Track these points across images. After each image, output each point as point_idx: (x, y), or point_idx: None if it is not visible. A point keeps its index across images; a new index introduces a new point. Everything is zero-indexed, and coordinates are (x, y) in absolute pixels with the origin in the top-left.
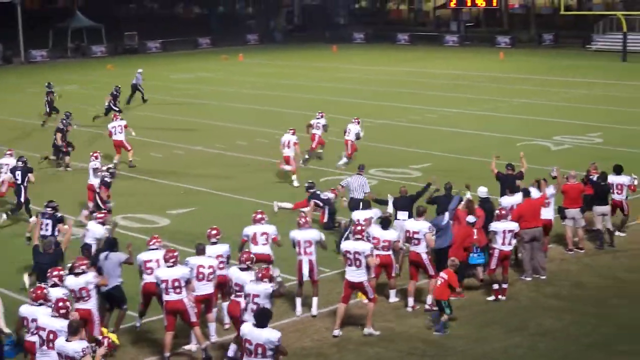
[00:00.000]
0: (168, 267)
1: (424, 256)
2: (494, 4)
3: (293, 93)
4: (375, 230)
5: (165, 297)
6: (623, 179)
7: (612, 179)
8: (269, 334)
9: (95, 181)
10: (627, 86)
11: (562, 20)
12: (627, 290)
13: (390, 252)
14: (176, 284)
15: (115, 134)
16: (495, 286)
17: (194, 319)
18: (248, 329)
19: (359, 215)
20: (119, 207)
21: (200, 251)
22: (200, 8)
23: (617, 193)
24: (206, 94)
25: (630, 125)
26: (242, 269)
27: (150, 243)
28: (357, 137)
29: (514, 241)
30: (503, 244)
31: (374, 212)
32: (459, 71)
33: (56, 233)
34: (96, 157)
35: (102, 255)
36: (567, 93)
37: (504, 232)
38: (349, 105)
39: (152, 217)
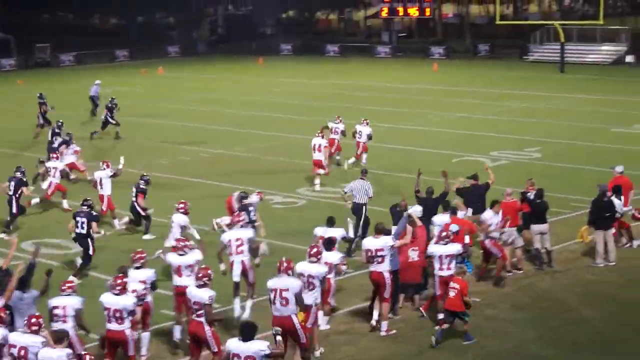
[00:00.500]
0: (114, 294)
1: (387, 275)
2: (427, 14)
3: (217, 108)
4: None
5: (108, 326)
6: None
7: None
8: (258, 346)
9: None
10: (566, 98)
11: (498, 30)
12: (567, 312)
13: (331, 275)
14: (117, 314)
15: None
16: (440, 315)
17: (132, 352)
18: (234, 344)
19: (322, 232)
20: (30, 232)
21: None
22: (118, 18)
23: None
24: (123, 110)
25: (568, 140)
26: (199, 286)
27: (63, 288)
28: (369, 137)
29: (453, 265)
30: (441, 269)
31: (339, 232)
32: (391, 84)
33: (92, 231)
34: (107, 166)
35: (15, 295)
36: (504, 106)
37: (440, 257)
38: (276, 121)
39: (66, 242)
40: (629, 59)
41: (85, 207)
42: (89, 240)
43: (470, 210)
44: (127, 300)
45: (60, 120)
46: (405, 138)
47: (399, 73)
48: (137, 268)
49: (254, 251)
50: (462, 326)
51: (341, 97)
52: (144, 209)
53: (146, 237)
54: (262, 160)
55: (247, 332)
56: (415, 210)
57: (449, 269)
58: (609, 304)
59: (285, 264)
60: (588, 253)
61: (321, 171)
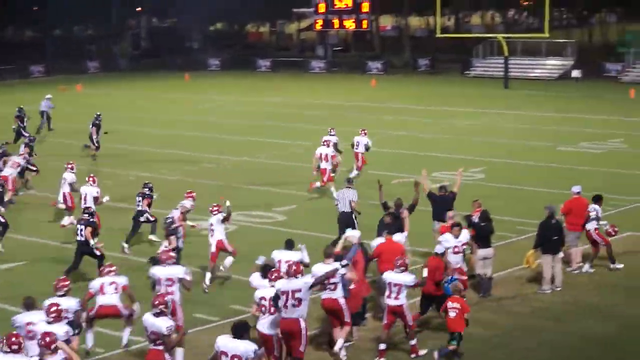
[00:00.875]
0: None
1: (342, 301)
2: (364, 26)
3: (139, 128)
4: (255, 279)
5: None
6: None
7: (594, 206)
8: (247, 346)
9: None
10: (510, 115)
11: (439, 44)
12: (511, 342)
13: None
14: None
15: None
16: (382, 346)
17: None
18: (224, 341)
19: (281, 256)
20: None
21: (29, 306)
22: (33, 31)
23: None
24: (34, 130)
25: (513, 159)
26: (156, 314)
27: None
28: (367, 148)
29: (402, 295)
30: (389, 297)
31: (298, 256)
32: (326, 100)
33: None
34: (94, 181)
35: None
36: (446, 124)
37: (389, 284)
38: (204, 141)
39: None
40: (576, 73)
41: (86, 215)
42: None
43: (405, 234)
44: (62, 328)
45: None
46: (343, 157)
47: (334, 89)
48: (60, 297)
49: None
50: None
51: (273, 115)
52: (150, 214)
53: (152, 237)
54: (191, 183)
55: (239, 330)
56: (353, 235)
57: (397, 298)
58: (553, 332)
59: (294, 267)
60: (535, 279)
61: (318, 184)
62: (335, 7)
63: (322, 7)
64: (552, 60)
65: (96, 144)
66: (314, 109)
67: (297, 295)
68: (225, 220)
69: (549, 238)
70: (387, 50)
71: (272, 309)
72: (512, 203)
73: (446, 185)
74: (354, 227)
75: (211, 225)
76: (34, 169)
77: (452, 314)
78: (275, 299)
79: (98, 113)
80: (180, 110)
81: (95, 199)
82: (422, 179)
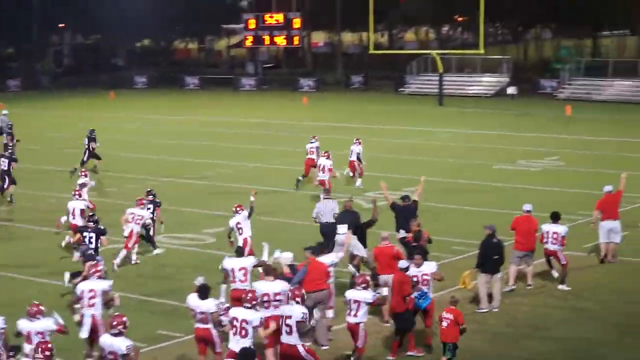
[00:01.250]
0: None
1: (301, 349)
2: (296, 43)
3: (60, 147)
4: (192, 299)
5: None
6: (559, 228)
7: (548, 227)
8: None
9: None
10: (445, 133)
11: (372, 60)
12: None
13: (210, 326)
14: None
15: None
16: None
17: None
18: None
19: (234, 264)
20: None
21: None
22: None
23: (552, 243)
24: None
25: (449, 178)
26: (114, 334)
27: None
28: (359, 157)
29: (361, 312)
30: (349, 314)
31: (249, 261)
32: (257, 119)
33: (99, 245)
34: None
35: None
36: (380, 142)
37: (349, 301)
38: (129, 161)
39: None
40: (511, 90)
41: (92, 223)
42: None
43: (364, 250)
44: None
45: None
46: (273, 178)
47: (265, 107)
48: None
49: (107, 304)
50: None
51: (202, 134)
52: (160, 221)
53: (157, 251)
54: (111, 204)
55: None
56: (286, 257)
57: (355, 316)
58: (489, 353)
59: (296, 292)
60: (473, 300)
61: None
62: (266, 23)
63: (252, 23)
64: (487, 77)
65: (90, 154)
66: (244, 127)
67: (288, 322)
68: (249, 215)
69: (489, 257)
70: (319, 67)
71: (243, 331)
72: (448, 222)
73: (408, 194)
74: (334, 237)
75: (238, 223)
76: None
77: (444, 324)
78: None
79: (92, 129)
80: (105, 129)
81: (82, 212)
82: (383, 190)
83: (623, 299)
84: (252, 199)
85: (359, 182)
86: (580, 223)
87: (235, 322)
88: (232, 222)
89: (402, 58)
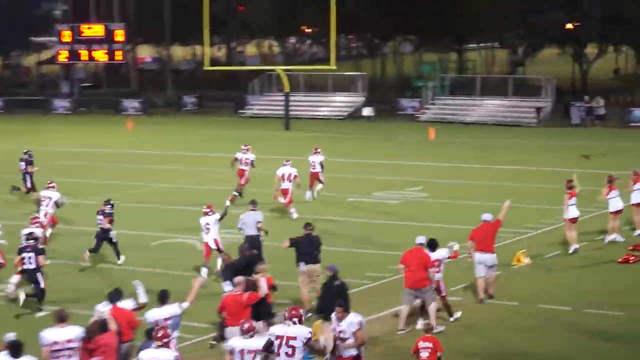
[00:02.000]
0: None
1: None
2: (119, 58)
3: None
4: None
5: None
6: (439, 254)
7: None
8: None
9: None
10: (292, 162)
11: (208, 78)
12: None
13: None
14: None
15: None
16: None
17: None
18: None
19: (156, 314)
20: None
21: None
22: None
23: (435, 272)
24: None
25: (296, 213)
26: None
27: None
28: (322, 166)
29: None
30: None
31: (172, 310)
32: (72, 147)
33: (39, 265)
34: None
35: None
36: (217, 173)
37: (242, 351)
38: None
39: None
40: (367, 111)
41: (32, 241)
42: (38, 274)
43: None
44: None
45: None
46: (91, 218)
47: (82, 133)
48: None
49: None
50: None
51: (5, 166)
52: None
53: (120, 261)
54: None
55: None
56: (101, 311)
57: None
58: None
59: (293, 311)
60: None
61: (281, 200)
62: (83, 35)
63: (66, 36)
64: (340, 97)
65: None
66: (58, 157)
67: (291, 342)
68: (220, 219)
69: (332, 302)
70: (146, 86)
71: None
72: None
73: (310, 222)
74: (260, 250)
75: (207, 224)
76: None
77: (424, 354)
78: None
79: (28, 151)
80: None
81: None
82: (285, 244)
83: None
84: (227, 203)
85: (308, 194)
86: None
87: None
88: (201, 222)
89: (242, 75)
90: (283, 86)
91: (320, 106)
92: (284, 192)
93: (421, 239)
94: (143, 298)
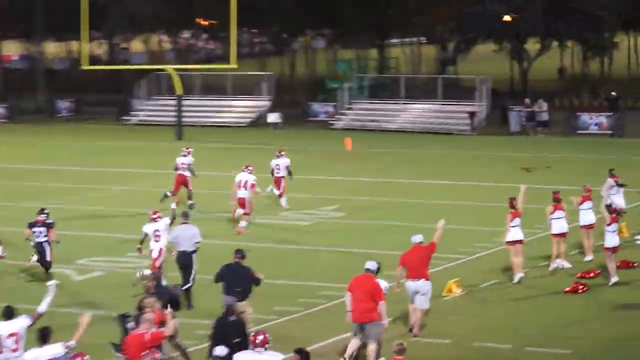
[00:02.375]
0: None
1: None
2: None
3: None
4: None
5: None
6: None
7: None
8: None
9: None
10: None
11: (86, 79)
12: None
13: None
14: None
15: None
16: None
17: None
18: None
19: (35, 355)
20: None
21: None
22: None
23: None
24: None
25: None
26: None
27: None
28: (289, 171)
29: None
30: None
31: (54, 351)
32: None
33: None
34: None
35: None
36: (100, 191)
37: None
38: None
39: None
40: (273, 118)
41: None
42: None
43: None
44: None
45: None
46: None
47: None
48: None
49: None
50: None
51: None
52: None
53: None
54: None
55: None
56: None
57: None
58: None
59: (261, 337)
60: None
61: (241, 211)
62: None
63: None
64: (241, 101)
65: None
66: None
67: None
68: (170, 224)
69: (226, 341)
70: (12, 88)
71: None
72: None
73: (241, 248)
74: (191, 267)
75: (157, 231)
76: None
77: None
78: None
79: None
80: None
81: None
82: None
83: None
84: (173, 206)
85: (283, 200)
86: None
87: None
88: (148, 229)
89: (127, 76)
90: (175, 88)
91: (219, 112)
92: (240, 202)
93: (369, 265)
94: (44, 306)
